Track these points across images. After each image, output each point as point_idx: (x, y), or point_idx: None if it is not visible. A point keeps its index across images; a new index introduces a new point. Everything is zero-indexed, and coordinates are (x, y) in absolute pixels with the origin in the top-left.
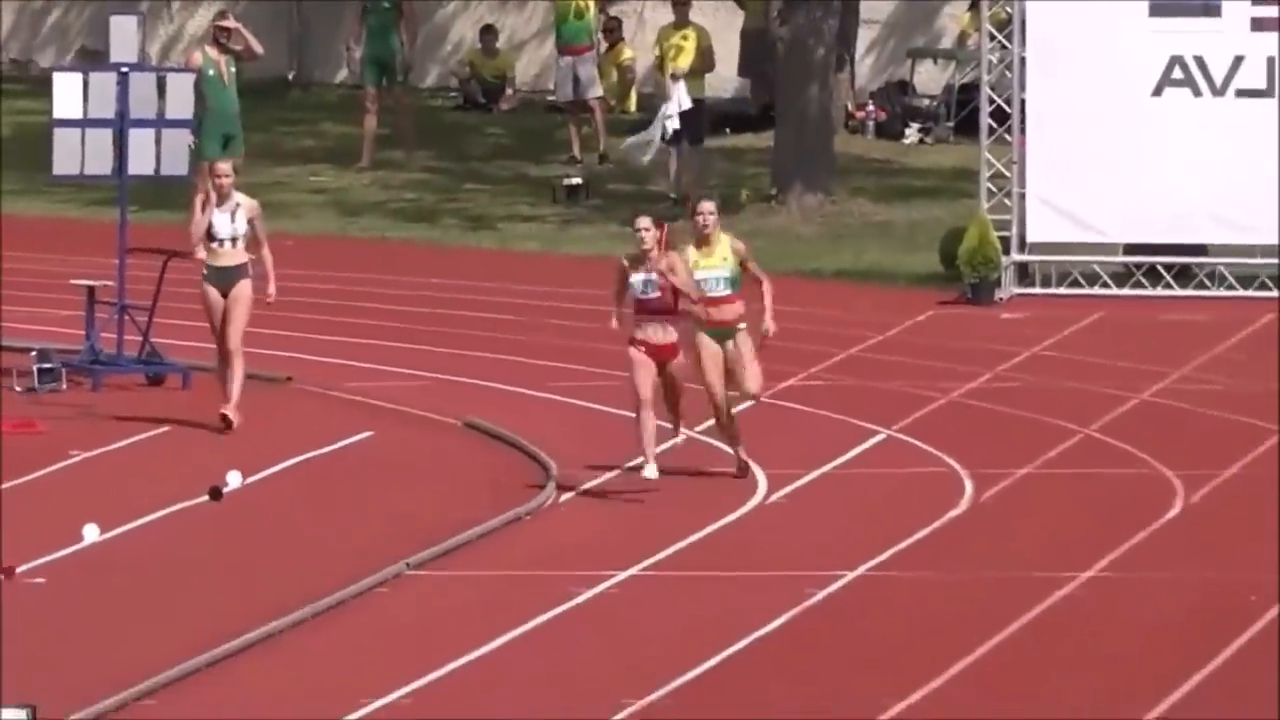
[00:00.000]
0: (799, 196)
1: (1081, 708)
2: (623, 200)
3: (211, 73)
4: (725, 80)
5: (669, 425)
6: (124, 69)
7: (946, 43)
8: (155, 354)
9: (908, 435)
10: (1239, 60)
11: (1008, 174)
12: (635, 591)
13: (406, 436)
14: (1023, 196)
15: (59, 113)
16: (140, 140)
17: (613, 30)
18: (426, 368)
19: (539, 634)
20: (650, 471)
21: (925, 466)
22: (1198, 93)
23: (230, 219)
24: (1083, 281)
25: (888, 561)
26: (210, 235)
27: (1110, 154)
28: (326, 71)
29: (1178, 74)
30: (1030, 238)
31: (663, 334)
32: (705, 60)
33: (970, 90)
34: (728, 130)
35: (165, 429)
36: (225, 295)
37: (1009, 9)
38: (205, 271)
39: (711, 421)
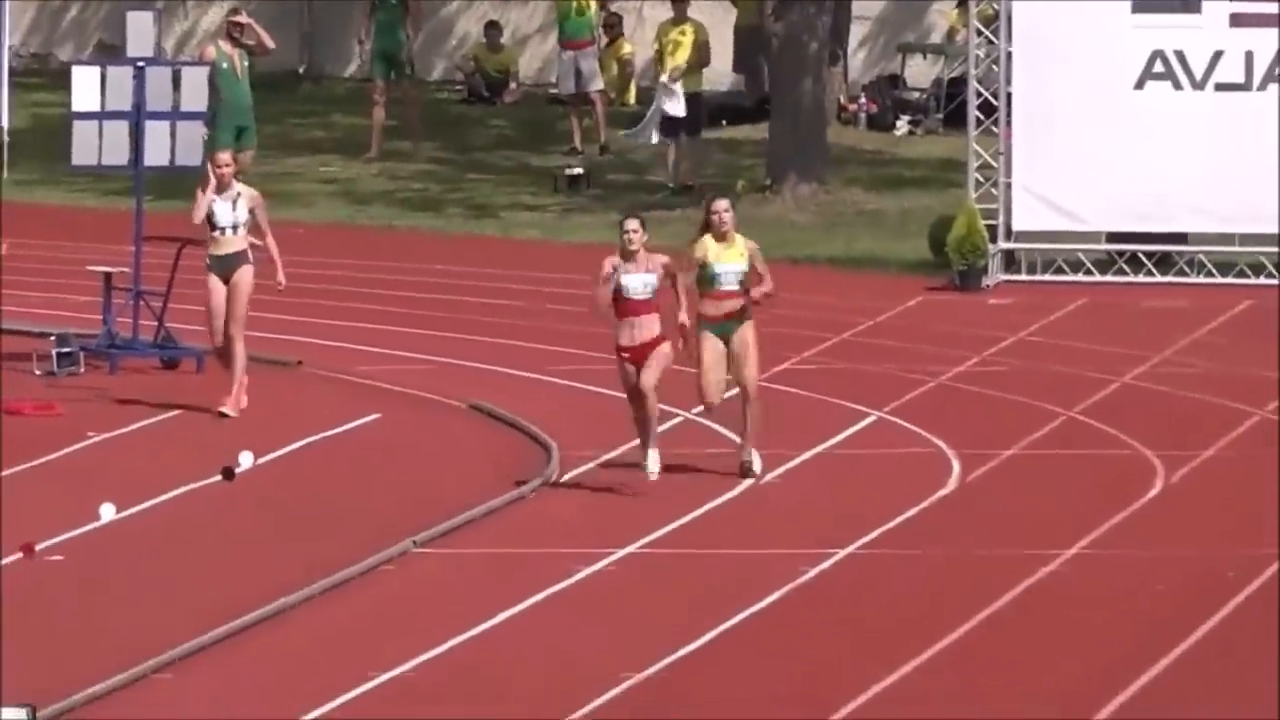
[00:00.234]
0: (793, 186)
1: (1065, 680)
2: (623, 190)
3: (225, 66)
4: (720, 74)
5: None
6: (140, 63)
7: (936, 38)
8: (170, 338)
9: (898, 417)
10: (1218, 55)
11: (995, 165)
12: (633, 569)
13: (413, 418)
14: (1009, 186)
15: (77, 105)
16: (156, 132)
17: (613, 26)
18: (432, 352)
19: (540, 609)
20: (653, 466)
21: (914, 447)
22: (1178, 86)
23: (231, 207)
24: (1067, 269)
25: (878, 539)
26: (212, 224)
27: (1094, 145)
28: (336, 66)
29: (1159, 68)
30: (1016, 226)
31: (646, 331)
32: (702, 55)
33: (958, 84)
34: (724, 122)
35: (179, 411)
36: (226, 281)
37: (996, 5)
38: (208, 260)
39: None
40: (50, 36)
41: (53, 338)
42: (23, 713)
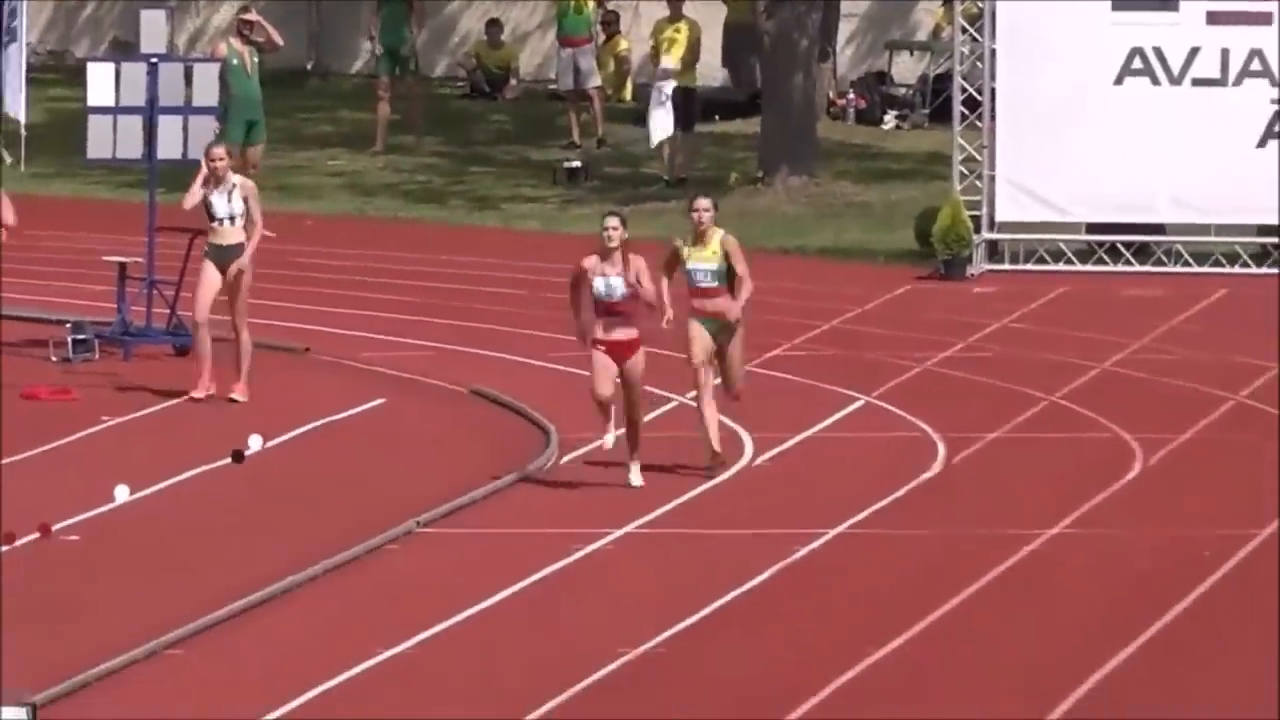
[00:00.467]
0: (784, 178)
1: (1047, 655)
2: (619, 183)
3: (236, 63)
4: (714, 70)
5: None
6: (153, 59)
7: (922, 35)
8: (182, 326)
9: (885, 402)
10: (1195, 51)
11: (979, 158)
12: (630, 548)
13: (417, 403)
14: (993, 179)
15: (93, 100)
16: (169, 126)
17: (610, 23)
18: (435, 339)
19: (540, 588)
20: (635, 478)
21: (901, 431)
22: (1156, 82)
23: (227, 199)
24: (1048, 258)
25: (866, 520)
26: (210, 215)
27: (1074, 139)
28: (343, 62)
29: (1138, 64)
30: (999, 217)
31: (623, 332)
32: (695, 52)
33: (944, 80)
34: (717, 117)
35: (190, 396)
36: (224, 272)
37: (980, 4)
38: (206, 248)
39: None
40: (67, 34)
41: (69, 325)
42: (23, 712)
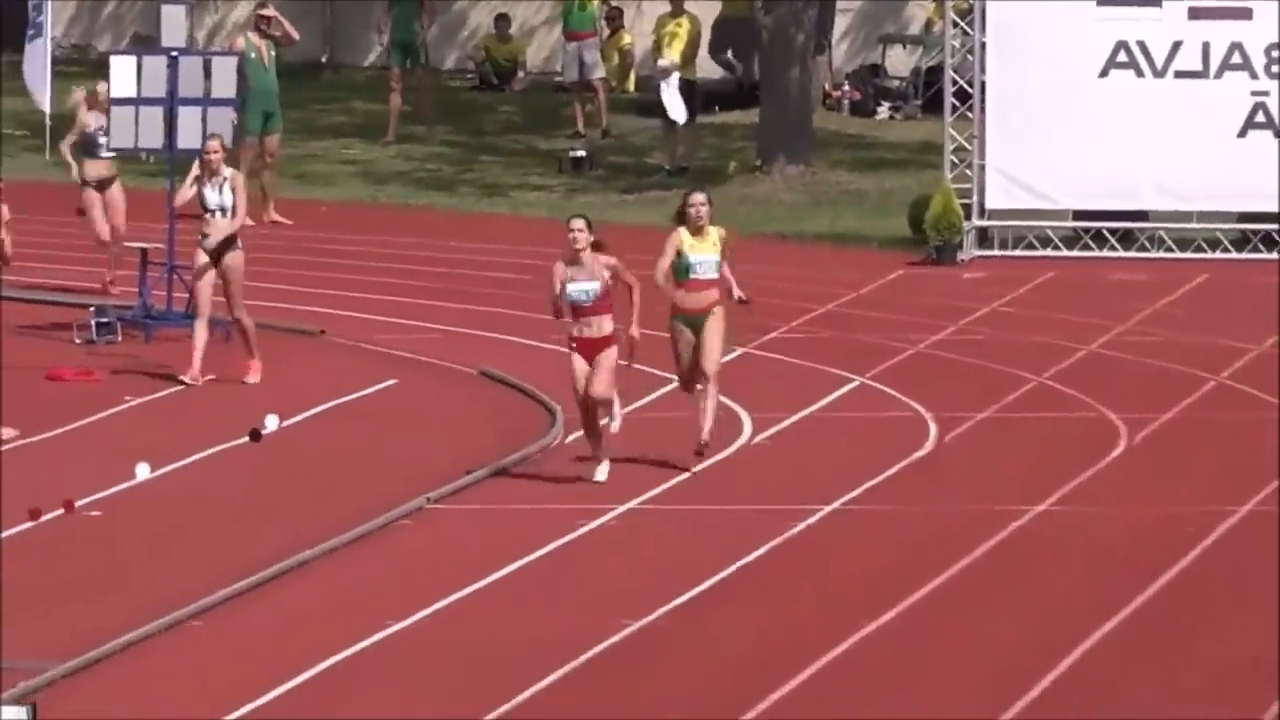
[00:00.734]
0: (782, 167)
1: (1034, 627)
2: (623, 171)
3: (253, 56)
4: (705, 62)
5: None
6: (174, 53)
7: (914, 29)
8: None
9: (879, 383)
10: (1177, 45)
11: (969, 147)
12: (634, 523)
13: (427, 384)
14: (982, 168)
15: (116, 92)
16: (189, 117)
17: (614, 18)
18: (446, 322)
19: (547, 561)
20: (601, 474)
21: (894, 411)
22: (1140, 74)
23: (219, 191)
24: (1036, 244)
25: (861, 496)
26: (204, 206)
27: (1061, 129)
28: (356, 56)
29: (1122, 58)
30: (989, 205)
31: (598, 329)
32: (695, 46)
33: (935, 72)
34: (716, 108)
35: (210, 377)
36: (216, 261)
37: None
38: (200, 237)
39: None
40: (90, 28)
41: (92, 309)
42: (23, 711)
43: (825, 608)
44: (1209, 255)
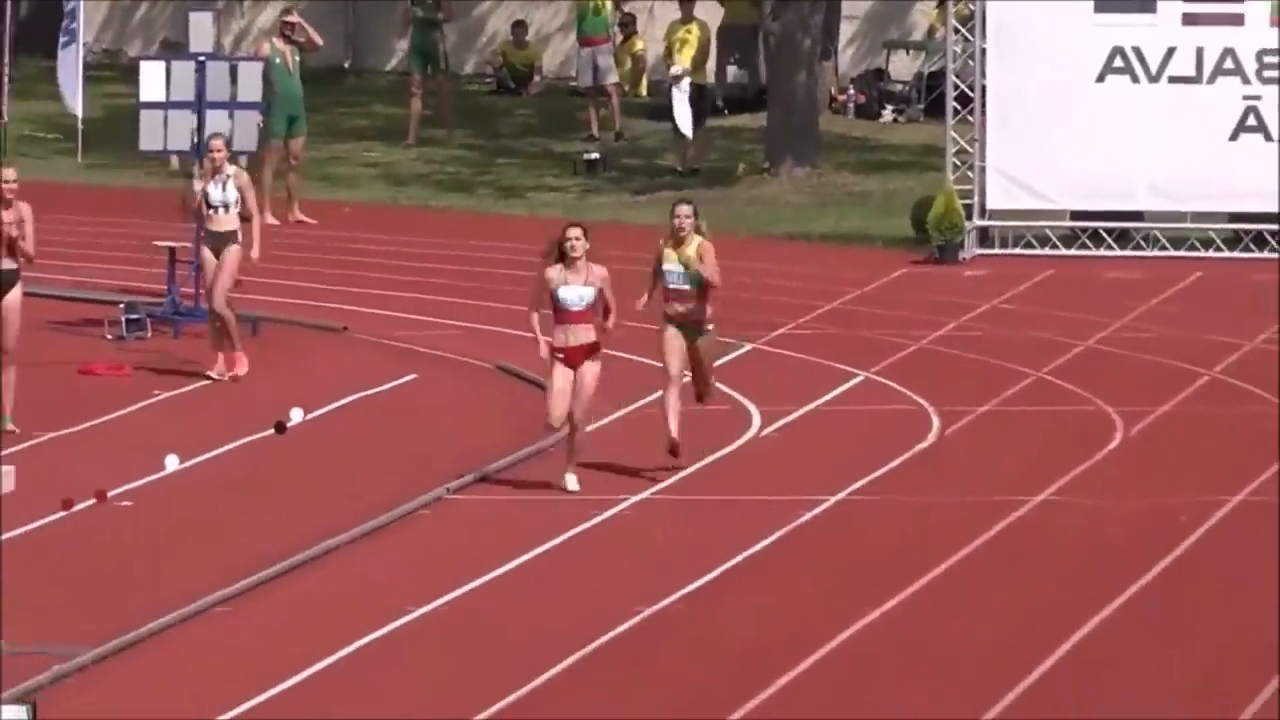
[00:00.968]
0: (789, 169)
1: (1033, 614)
2: (635, 173)
3: (278, 61)
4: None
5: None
6: (201, 58)
7: (917, 35)
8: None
9: (883, 377)
10: (1171, 51)
11: (970, 150)
12: (647, 513)
13: (447, 378)
14: (983, 169)
15: (145, 96)
16: (216, 120)
17: (627, 24)
18: (464, 318)
19: (562, 550)
20: (571, 483)
21: (898, 404)
22: (1135, 79)
23: (222, 188)
24: (1035, 243)
25: (865, 487)
26: (207, 203)
27: (1060, 132)
28: (377, 61)
29: (1118, 63)
30: (990, 205)
31: (583, 336)
32: (705, 52)
33: (938, 77)
34: (725, 112)
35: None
36: (217, 254)
37: (972, 5)
38: (204, 233)
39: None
40: (120, 33)
41: (122, 305)
42: (23, 711)
43: (830, 595)
44: (1202, 254)
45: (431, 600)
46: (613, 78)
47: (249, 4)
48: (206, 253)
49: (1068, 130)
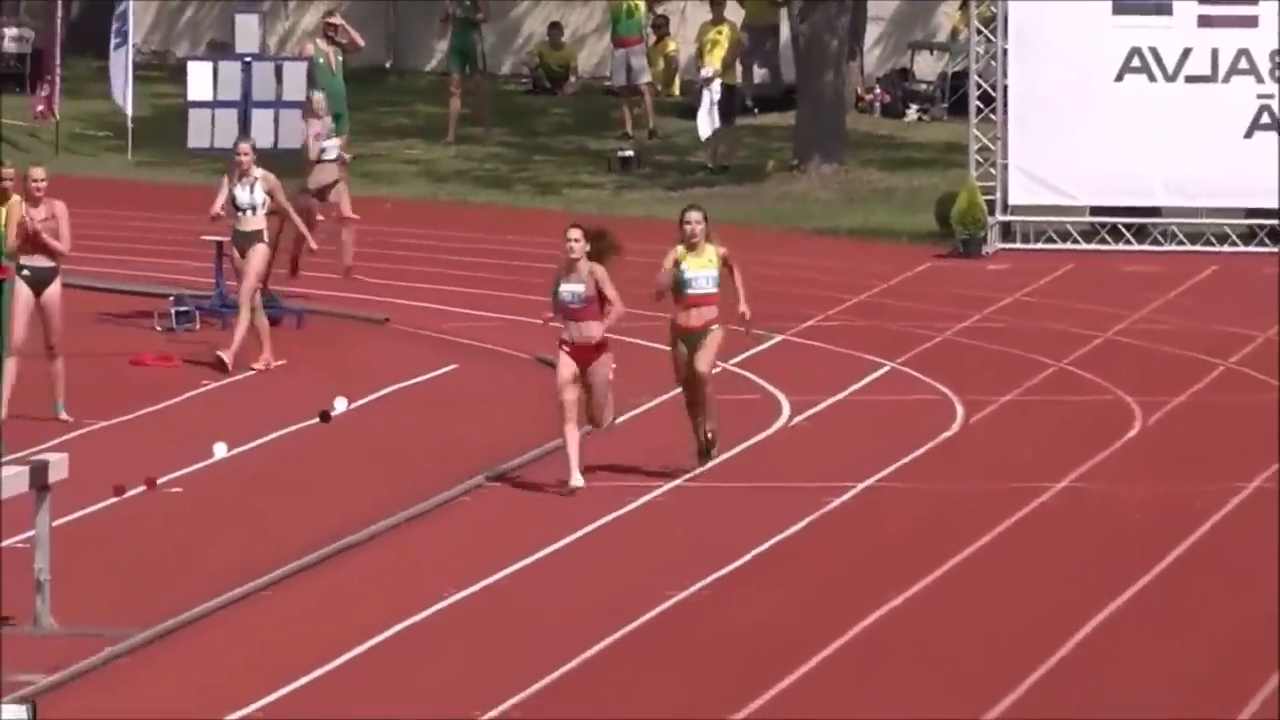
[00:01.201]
0: (817, 166)
1: (1054, 598)
2: (668, 170)
3: (322, 62)
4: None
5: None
6: (247, 59)
7: (941, 36)
8: (273, 299)
9: (909, 368)
10: (1188, 51)
11: (993, 147)
12: (680, 499)
13: (486, 369)
14: (1005, 167)
15: (192, 95)
16: (261, 119)
17: (660, 26)
18: (503, 311)
19: (598, 535)
20: (576, 480)
21: (923, 394)
22: (1153, 79)
23: (249, 191)
24: (1056, 238)
25: (892, 474)
26: (235, 205)
27: (1079, 130)
28: (418, 61)
29: (1136, 63)
30: (1012, 201)
31: (587, 334)
32: (735, 52)
33: (961, 77)
34: (755, 110)
35: (282, 362)
36: (244, 255)
37: (994, 7)
38: (232, 233)
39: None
40: (168, 35)
41: (171, 298)
42: (23, 710)
43: (856, 580)
44: (1217, 249)
45: (471, 584)
46: (646, 77)
47: (294, 6)
48: (236, 254)
49: (1087, 128)
